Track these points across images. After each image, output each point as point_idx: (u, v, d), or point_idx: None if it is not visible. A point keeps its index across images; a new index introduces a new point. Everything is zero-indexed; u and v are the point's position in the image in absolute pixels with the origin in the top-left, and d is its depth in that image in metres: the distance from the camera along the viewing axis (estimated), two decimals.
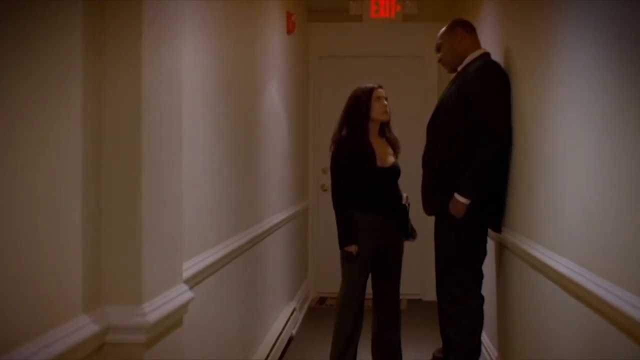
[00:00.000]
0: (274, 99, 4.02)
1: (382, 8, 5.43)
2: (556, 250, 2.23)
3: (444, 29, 3.25)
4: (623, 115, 1.65)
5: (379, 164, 3.30)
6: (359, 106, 3.30)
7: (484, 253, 3.14)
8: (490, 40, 3.64)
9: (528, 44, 2.70)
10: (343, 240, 3.28)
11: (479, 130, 2.94)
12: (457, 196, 2.98)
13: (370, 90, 3.31)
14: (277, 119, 4.14)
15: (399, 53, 5.50)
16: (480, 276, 3.13)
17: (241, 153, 3.11)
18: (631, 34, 1.62)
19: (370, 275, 3.42)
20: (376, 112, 3.29)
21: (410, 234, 3.43)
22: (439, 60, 3.30)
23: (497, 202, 3.05)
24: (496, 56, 3.47)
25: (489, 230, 3.27)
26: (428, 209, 3.23)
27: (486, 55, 3.13)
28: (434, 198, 3.12)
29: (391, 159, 3.36)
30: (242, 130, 3.14)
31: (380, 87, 3.35)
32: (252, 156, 3.38)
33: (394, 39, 5.47)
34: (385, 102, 3.32)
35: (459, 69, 3.16)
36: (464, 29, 3.16)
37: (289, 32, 4.46)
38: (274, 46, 4.02)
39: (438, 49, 3.25)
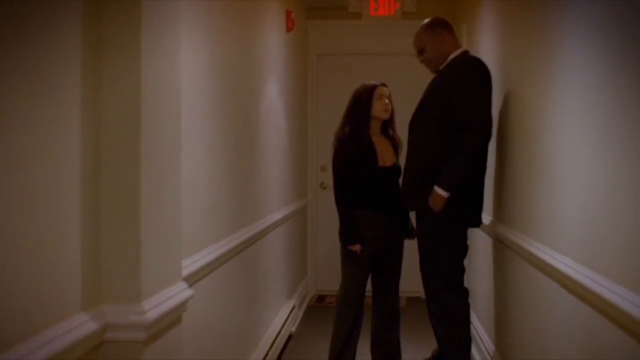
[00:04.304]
0: (273, 97, 4.02)
1: (382, 6, 5.43)
2: (555, 248, 2.23)
3: (422, 30, 3.22)
4: (623, 113, 1.65)
5: (380, 163, 3.29)
6: (361, 104, 3.30)
7: (464, 249, 3.15)
8: (490, 40, 3.64)
9: (528, 42, 2.70)
10: (347, 239, 3.28)
11: (461, 125, 2.95)
12: (436, 189, 2.97)
13: (372, 88, 3.30)
14: (276, 116, 4.14)
15: (398, 51, 5.49)
16: (461, 271, 3.13)
17: (240, 151, 3.12)
18: (631, 33, 1.62)
19: (370, 273, 3.42)
20: (376, 110, 3.29)
21: (410, 233, 3.43)
22: (422, 61, 3.28)
23: (474, 197, 3.07)
24: (496, 55, 3.47)
25: (485, 226, 3.28)
26: (409, 204, 3.23)
27: (466, 52, 3.18)
28: (415, 194, 3.11)
29: (392, 158, 3.36)
30: (241, 128, 3.14)
31: (383, 85, 3.34)
32: (251, 154, 3.38)
33: (393, 37, 5.46)
34: (387, 101, 3.31)
35: (441, 67, 3.18)
36: (447, 29, 3.20)
37: (288, 29, 4.46)
38: (273, 44, 4.02)
39: (421, 51, 3.23)
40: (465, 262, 3.16)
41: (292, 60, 4.75)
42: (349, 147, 3.29)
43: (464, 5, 4.75)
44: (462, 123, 2.94)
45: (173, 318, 1.83)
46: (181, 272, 1.98)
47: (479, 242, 3.69)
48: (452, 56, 3.14)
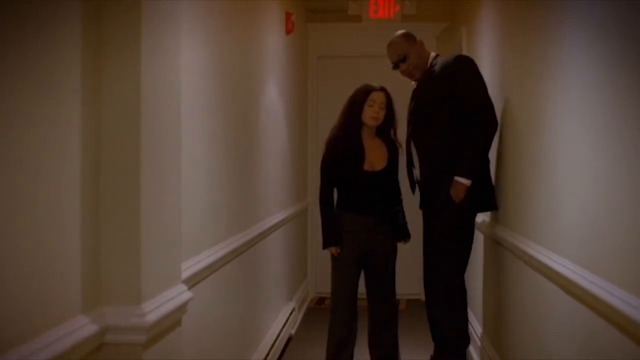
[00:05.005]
0: (273, 99, 4.02)
1: (381, 8, 5.43)
2: (555, 249, 2.23)
3: (402, 39, 3.28)
4: (623, 113, 1.65)
5: (366, 167, 3.24)
6: (353, 107, 3.26)
7: (473, 234, 3.23)
8: (490, 40, 3.65)
9: (528, 42, 2.71)
10: (324, 241, 3.28)
11: (471, 114, 3.04)
12: (458, 178, 3.03)
13: (366, 93, 3.25)
14: (276, 119, 4.14)
15: None
16: (468, 256, 3.22)
17: (240, 153, 3.11)
18: (631, 33, 1.62)
19: (360, 276, 3.38)
20: (365, 115, 3.24)
21: (405, 235, 3.38)
22: (405, 70, 3.29)
23: (484, 183, 3.14)
24: (495, 55, 3.47)
25: (485, 228, 3.30)
26: (431, 201, 3.23)
27: (438, 55, 3.31)
28: (436, 189, 3.14)
29: (382, 163, 3.29)
30: (240, 131, 3.14)
31: (380, 89, 3.27)
32: (251, 156, 3.38)
33: None
34: (379, 108, 3.23)
35: (426, 70, 3.27)
36: (418, 39, 3.31)
37: (288, 32, 4.46)
38: (273, 46, 4.02)
39: (403, 59, 3.26)
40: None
41: (291, 63, 4.75)
42: (336, 148, 3.27)
43: (464, 6, 4.76)
44: (473, 115, 3.04)
45: (173, 320, 1.83)
46: (181, 274, 1.98)
47: (479, 244, 3.69)
48: (430, 60, 3.26)
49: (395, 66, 3.32)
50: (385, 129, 3.34)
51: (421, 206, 3.35)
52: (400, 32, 3.34)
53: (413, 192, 3.40)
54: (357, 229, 3.26)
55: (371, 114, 3.24)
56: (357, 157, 3.24)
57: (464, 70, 3.11)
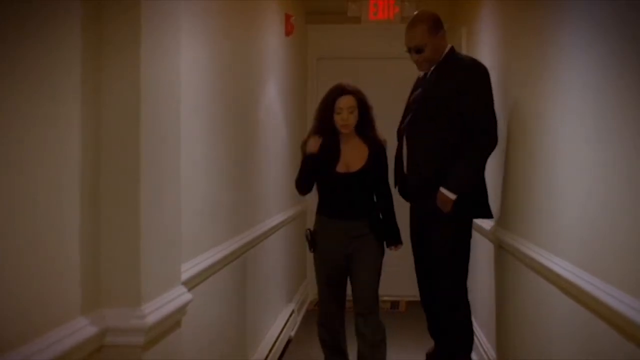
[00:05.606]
0: (273, 100, 4.02)
1: (381, 10, 5.43)
2: (555, 250, 2.23)
3: (425, 29, 3.09)
4: (623, 113, 1.65)
5: (339, 169, 3.14)
6: (324, 112, 3.19)
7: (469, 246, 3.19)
8: (490, 40, 3.65)
9: (528, 43, 2.71)
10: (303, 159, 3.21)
11: (472, 127, 2.96)
12: (444, 191, 2.95)
13: (333, 100, 3.16)
14: (275, 120, 4.14)
15: (398, 55, 5.47)
16: (467, 264, 3.18)
17: (239, 155, 3.11)
18: (631, 33, 1.62)
19: (341, 283, 3.27)
20: (337, 122, 3.15)
21: (394, 241, 3.26)
22: (416, 60, 3.16)
23: (480, 192, 3.09)
24: (495, 55, 3.47)
25: (487, 231, 3.29)
26: (422, 206, 3.19)
27: (453, 48, 3.16)
28: (427, 196, 3.07)
29: (359, 164, 3.16)
30: (240, 132, 3.14)
31: (348, 93, 3.16)
32: (251, 158, 3.38)
33: (393, 41, 5.44)
34: (346, 115, 3.11)
35: (435, 66, 3.14)
36: (443, 27, 3.14)
37: (287, 33, 4.47)
38: (273, 48, 4.02)
39: (420, 50, 3.11)
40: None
41: (291, 64, 4.75)
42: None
43: (464, 6, 4.76)
44: (476, 126, 2.96)
45: (172, 322, 1.83)
46: (180, 276, 1.98)
47: (481, 248, 3.69)
48: (443, 55, 3.12)
49: (408, 50, 3.19)
50: (365, 129, 3.21)
51: (413, 204, 3.28)
52: (428, 17, 3.13)
53: (395, 185, 3.28)
54: (333, 232, 3.17)
55: (340, 121, 3.13)
56: (330, 159, 3.15)
57: (478, 78, 3.01)
